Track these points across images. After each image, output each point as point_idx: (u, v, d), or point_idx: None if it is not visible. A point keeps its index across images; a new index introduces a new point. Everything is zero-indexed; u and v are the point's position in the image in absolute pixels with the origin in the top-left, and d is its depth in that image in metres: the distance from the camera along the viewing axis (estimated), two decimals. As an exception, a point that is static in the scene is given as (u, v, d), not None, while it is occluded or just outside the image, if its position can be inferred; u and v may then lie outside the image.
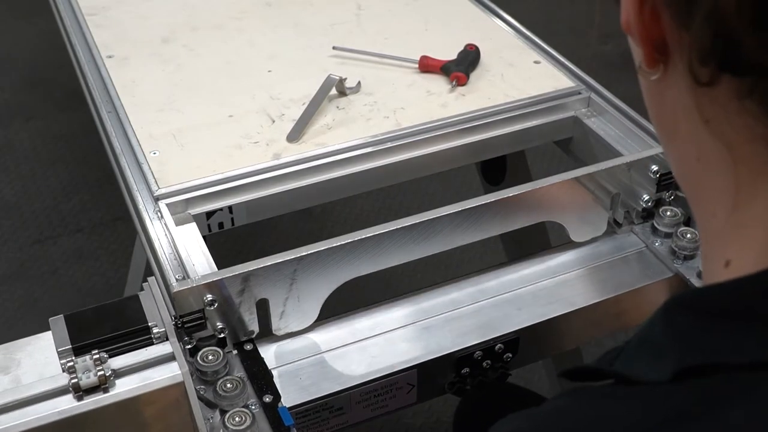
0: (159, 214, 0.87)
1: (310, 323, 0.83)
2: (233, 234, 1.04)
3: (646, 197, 0.91)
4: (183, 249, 0.82)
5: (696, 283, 0.87)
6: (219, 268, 0.79)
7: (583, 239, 0.92)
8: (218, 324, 0.77)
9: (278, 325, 0.82)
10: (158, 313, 0.76)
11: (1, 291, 1.92)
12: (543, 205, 0.88)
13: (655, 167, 0.90)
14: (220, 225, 0.92)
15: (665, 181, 0.93)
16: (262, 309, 0.80)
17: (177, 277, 0.79)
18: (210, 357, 0.76)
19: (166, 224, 0.86)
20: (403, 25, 1.21)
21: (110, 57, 1.14)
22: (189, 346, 0.77)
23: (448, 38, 1.15)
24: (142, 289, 0.78)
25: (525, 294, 0.88)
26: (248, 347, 0.79)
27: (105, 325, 0.74)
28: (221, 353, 0.76)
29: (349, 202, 0.96)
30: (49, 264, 1.99)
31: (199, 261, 0.82)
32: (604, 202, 0.91)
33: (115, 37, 1.19)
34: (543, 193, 0.87)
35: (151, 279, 0.80)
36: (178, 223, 0.87)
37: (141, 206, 0.88)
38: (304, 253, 0.79)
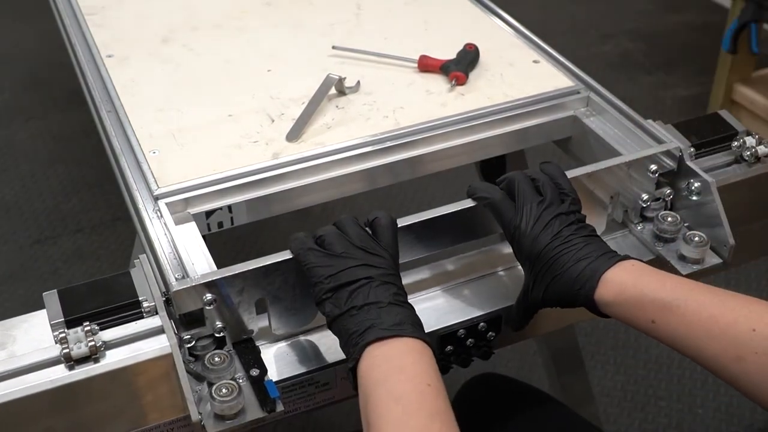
0: (158, 213, 0.87)
1: (310, 323, 0.83)
2: (233, 234, 1.04)
3: (645, 196, 0.91)
4: (182, 248, 0.82)
5: (677, 265, 0.88)
6: (218, 268, 0.79)
7: (583, 238, 0.92)
8: (217, 323, 0.77)
9: (278, 325, 0.82)
10: (148, 289, 0.78)
11: (1, 291, 1.92)
12: (542, 205, 0.87)
13: (653, 167, 0.90)
14: (220, 224, 0.92)
15: (664, 181, 0.93)
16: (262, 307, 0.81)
17: (176, 276, 0.79)
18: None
19: (165, 223, 0.86)
20: (402, 25, 1.21)
21: (110, 57, 1.14)
22: (189, 345, 0.77)
23: (448, 38, 1.15)
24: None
25: (508, 274, 0.90)
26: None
27: (97, 299, 0.77)
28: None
29: (349, 201, 0.96)
30: (49, 264, 1.99)
31: (199, 260, 0.82)
32: (603, 202, 0.91)
33: (115, 37, 1.19)
34: (542, 192, 0.87)
35: (142, 256, 0.82)
36: (177, 222, 0.87)
37: (141, 206, 0.88)
38: (303, 253, 0.79)
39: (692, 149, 0.95)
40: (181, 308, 0.76)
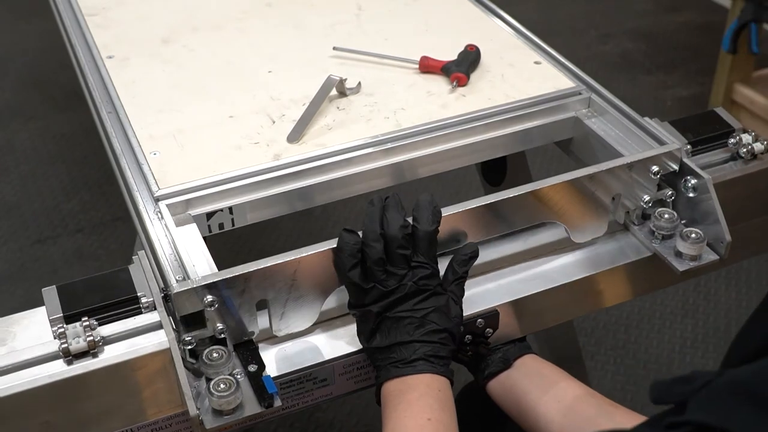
0: (159, 214, 0.87)
1: (311, 324, 0.83)
2: (233, 234, 1.04)
3: (646, 198, 0.91)
4: (183, 250, 0.82)
5: (674, 262, 0.89)
6: (219, 269, 0.79)
7: (584, 240, 0.92)
8: (218, 325, 0.77)
9: (279, 326, 0.82)
10: (147, 284, 0.79)
11: (1, 291, 1.92)
12: (543, 206, 0.88)
13: (655, 167, 0.90)
14: (221, 226, 0.92)
15: (665, 181, 0.93)
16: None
17: (177, 278, 0.79)
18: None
19: (166, 225, 0.86)
20: (403, 26, 1.21)
21: (110, 57, 1.14)
22: (189, 347, 0.77)
23: (449, 39, 1.15)
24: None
25: (506, 271, 0.91)
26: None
27: (96, 295, 0.78)
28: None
29: (349, 202, 0.96)
30: (49, 264, 1.99)
31: (200, 262, 0.82)
32: (605, 203, 0.91)
33: (115, 38, 1.19)
34: (543, 193, 0.87)
35: (141, 252, 0.83)
36: (178, 223, 0.87)
37: (141, 207, 0.88)
38: (304, 254, 0.79)
39: (689, 146, 0.96)
40: (182, 310, 0.76)
